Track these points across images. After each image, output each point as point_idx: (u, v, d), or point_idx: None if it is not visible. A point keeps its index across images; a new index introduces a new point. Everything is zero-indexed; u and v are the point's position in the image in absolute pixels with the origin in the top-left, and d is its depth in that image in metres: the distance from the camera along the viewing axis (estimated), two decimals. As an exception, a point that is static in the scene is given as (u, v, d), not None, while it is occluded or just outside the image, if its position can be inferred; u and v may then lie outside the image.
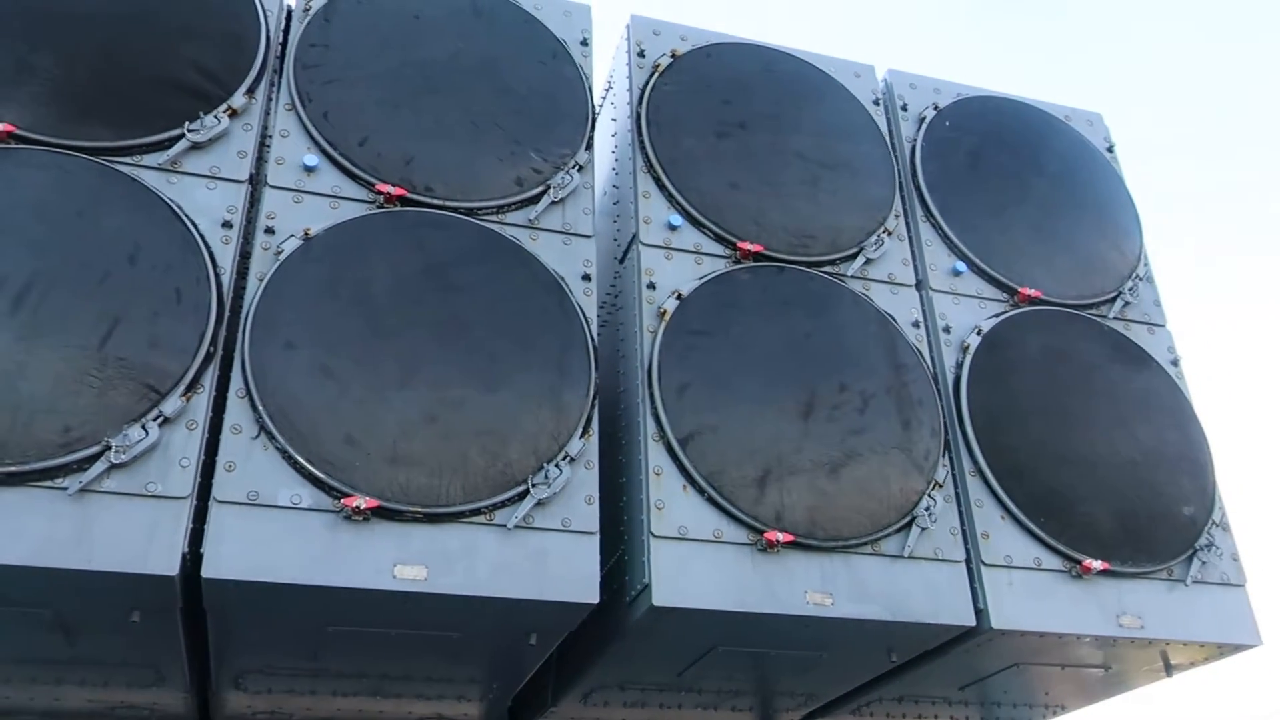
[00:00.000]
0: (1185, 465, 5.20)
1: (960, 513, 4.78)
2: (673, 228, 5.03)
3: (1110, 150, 6.32)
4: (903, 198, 5.64)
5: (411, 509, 3.92)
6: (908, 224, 5.59)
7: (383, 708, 5.34)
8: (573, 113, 5.11)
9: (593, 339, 4.53)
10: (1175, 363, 5.59)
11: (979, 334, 5.22)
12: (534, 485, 4.08)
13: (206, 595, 3.81)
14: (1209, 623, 4.90)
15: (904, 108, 5.97)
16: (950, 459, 4.89)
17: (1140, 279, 5.79)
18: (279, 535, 3.78)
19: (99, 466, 3.65)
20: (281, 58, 4.87)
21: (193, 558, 3.71)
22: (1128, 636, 4.71)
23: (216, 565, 3.68)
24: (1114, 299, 5.66)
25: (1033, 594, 4.65)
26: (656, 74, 5.46)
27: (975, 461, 4.88)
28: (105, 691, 4.88)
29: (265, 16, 4.87)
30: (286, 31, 4.97)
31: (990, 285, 5.47)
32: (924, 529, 4.58)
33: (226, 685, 4.87)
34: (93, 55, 4.46)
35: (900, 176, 5.69)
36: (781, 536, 4.30)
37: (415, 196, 4.60)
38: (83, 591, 3.72)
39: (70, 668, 4.57)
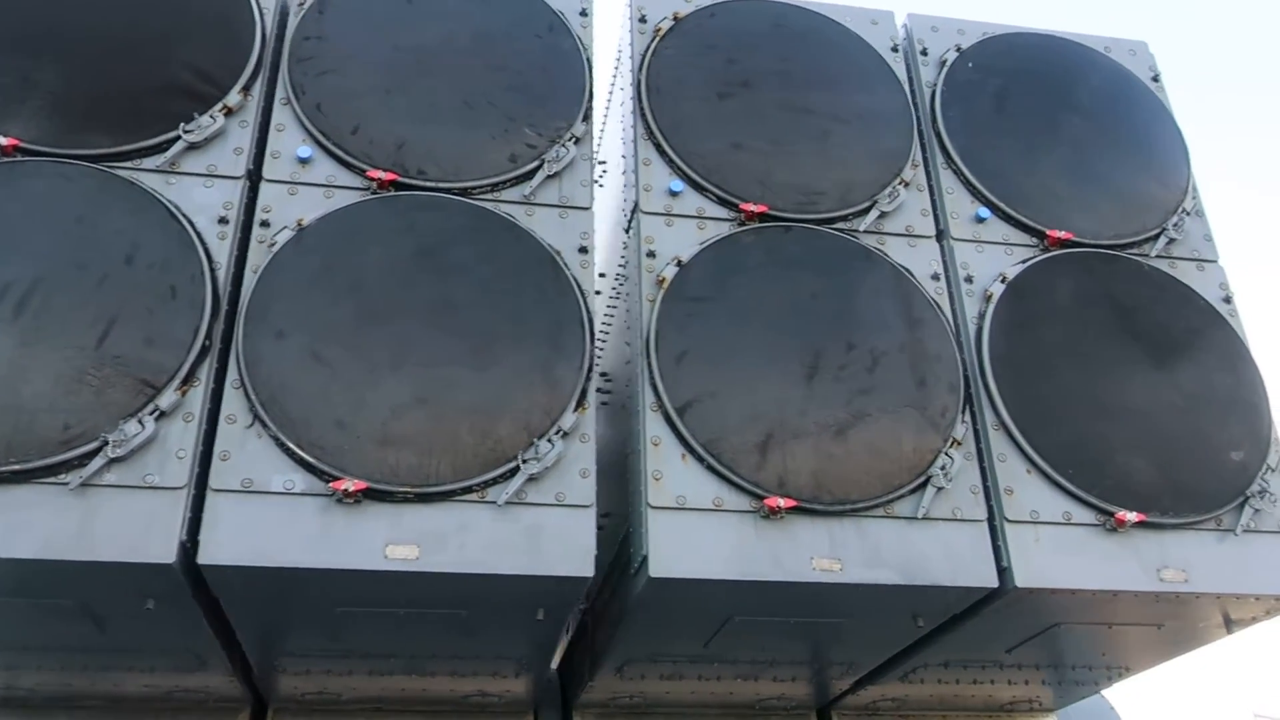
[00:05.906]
0: (1236, 408, 4.88)
1: (983, 469, 4.57)
2: (674, 194, 4.94)
3: (1156, 80, 5.94)
4: (923, 146, 5.41)
5: (401, 489, 3.96)
6: (928, 173, 5.35)
7: (425, 685, 5.43)
8: (568, 85, 5.05)
9: (589, 311, 4.48)
10: (1228, 300, 5.23)
11: (1003, 281, 4.97)
12: (524, 461, 4.07)
13: (210, 581, 3.93)
14: (1265, 574, 4.59)
15: (924, 52, 5.72)
16: (971, 414, 4.69)
17: (1187, 213, 5.43)
18: (273, 521, 3.86)
19: (98, 461, 3.79)
20: (277, 53, 4.94)
21: (192, 546, 3.82)
22: (1171, 591, 4.46)
23: (212, 552, 3.78)
24: (1156, 236, 5.32)
25: (1062, 550, 4.42)
26: (657, 38, 5.35)
27: (998, 415, 4.65)
28: (156, 677, 5.09)
29: (261, 14, 4.95)
30: (283, 27, 5.05)
31: (1017, 230, 5.20)
32: (940, 488, 4.40)
33: (265, 668, 5.02)
34: (93, 65, 4.60)
35: (920, 124, 5.47)
36: (783, 502, 4.19)
37: (408, 180, 4.62)
38: (92, 582, 3.87)
39: (115, 655, 4.77)
